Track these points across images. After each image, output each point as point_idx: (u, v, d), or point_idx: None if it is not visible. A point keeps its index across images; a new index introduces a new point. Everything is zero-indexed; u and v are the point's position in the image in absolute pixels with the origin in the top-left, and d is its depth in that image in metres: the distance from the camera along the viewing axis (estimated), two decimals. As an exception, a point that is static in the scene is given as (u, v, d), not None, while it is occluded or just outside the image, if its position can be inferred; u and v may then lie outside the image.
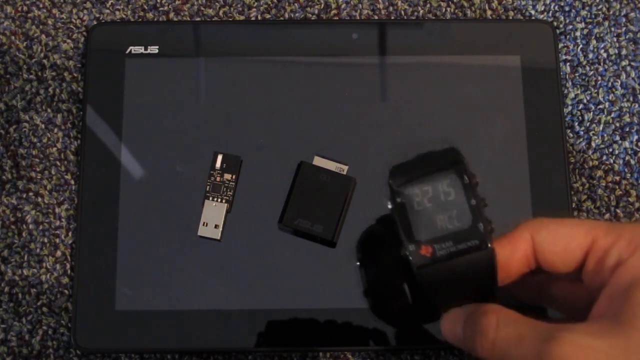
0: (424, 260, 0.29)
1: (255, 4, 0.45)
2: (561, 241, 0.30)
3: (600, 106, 0.44)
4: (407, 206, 0.29)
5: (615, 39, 0.45)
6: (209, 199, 0.41)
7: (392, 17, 0.45)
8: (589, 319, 0.29)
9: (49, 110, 0.44)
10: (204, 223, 0.41)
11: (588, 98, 0.44)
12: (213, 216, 0.41)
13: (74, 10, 0.45)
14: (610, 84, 0.44)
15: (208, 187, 0.41)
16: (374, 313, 0.40)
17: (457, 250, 0.29)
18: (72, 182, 0.43)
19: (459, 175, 0.29)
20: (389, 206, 0.30)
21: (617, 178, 0.43)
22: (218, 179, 0.41)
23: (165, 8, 0.45)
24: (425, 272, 0.29)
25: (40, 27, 0.45)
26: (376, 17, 0.45)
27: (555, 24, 0.45)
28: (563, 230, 0.30)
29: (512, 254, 0.30)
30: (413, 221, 0.29)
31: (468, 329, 0.30)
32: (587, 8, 0.45)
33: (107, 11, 0.45)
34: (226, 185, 0.41)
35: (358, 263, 0.40)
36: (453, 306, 0.31)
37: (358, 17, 0.45)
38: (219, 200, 0.41)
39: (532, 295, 0.34)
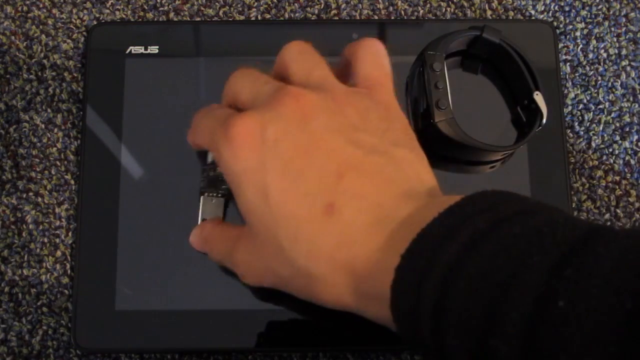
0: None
1: (255, 4, 0.45)
2: None
3: (600, 106, 0.44)
4: None
5: (615, 39, 0.45)
6: (204, 195, 0.41)
7: (392, 17, 0.45)
8: None
9: (49, 110, 0.44)
10: (203, 219, 0.41)
11: (588, 98, 0.44)
12: (212, 212, 0.41)
13: (74, 10, 0.45)
14: (610, 84, 0.44)
15: (202, 182, 0.41)
16: None
17: None
18: (72, 182, 0.43)
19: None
20: None
21: (617, 178, 0.43)
22: (212, 173, 0.41)
23: (165, 8, 0.45)
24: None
25: (40, 27, 0.45)
26: (376, 17, 0.45)
27: (555, 24, 0.45)
28: None
29: None
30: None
31: None
32: (587, 8, 0.45)
33: (107, 11, 0.45)
34: (221, 178, 0.40)
35: None
36: None
37: (358, 17, 0.45)
38: (216, 194, 0.41)
39: None
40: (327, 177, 0.30)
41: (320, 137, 0.31)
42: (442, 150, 0.40)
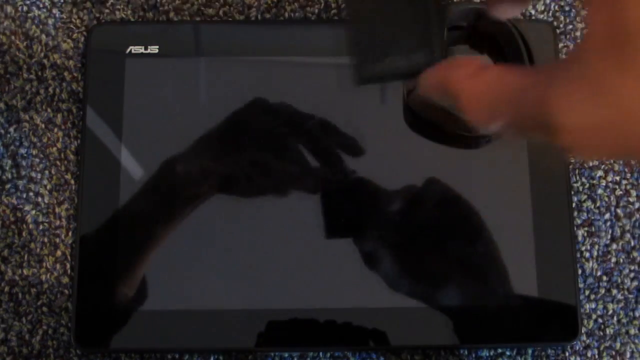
0: None
1: (255, 3, 0.45)
2: None
3: (600, 106, 0.44)
4: None
5: (615, 39, 0.45)
6: None
7: (392, 17, 0.45)
8: None
9: (49, 110, 0.44)
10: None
11: (588, 98, 0.44)
12: None
13: (74, 10, 0.45)
14: (610, 84, 0.44)
15: None
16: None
17: None
18: (72, 182, 0.43)
19: None
20: None
21: (617, 178, 0.43)
22: None
23: (165, 8, 0.45)
24: None
25: (40, 27, 0.45)
26: (376, 17, 0.45)
27: (555, 24, 0.45)
28: None
29: None
30: None
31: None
32: (587, 8, 0.45)
33: (107, 11, 0.45)
34: None
35: None
36: None
37: (358, 17, 0.45)
38: None
39: None
40: None
41: None
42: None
